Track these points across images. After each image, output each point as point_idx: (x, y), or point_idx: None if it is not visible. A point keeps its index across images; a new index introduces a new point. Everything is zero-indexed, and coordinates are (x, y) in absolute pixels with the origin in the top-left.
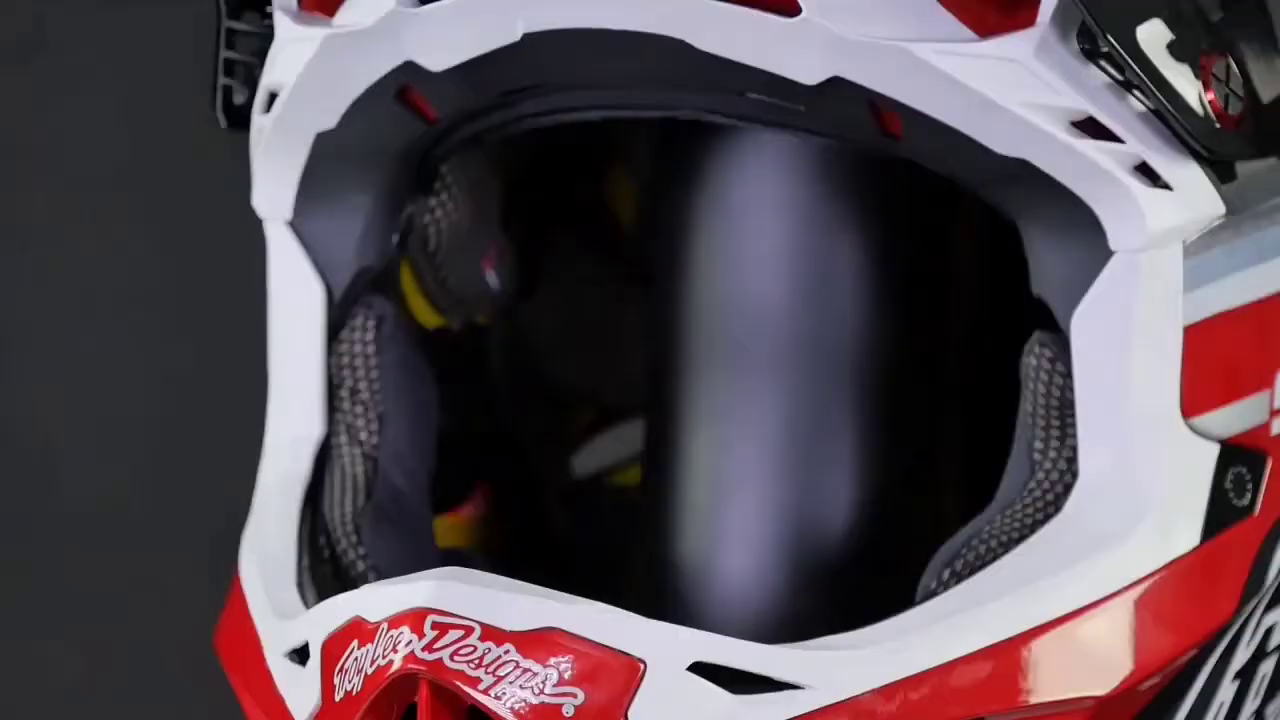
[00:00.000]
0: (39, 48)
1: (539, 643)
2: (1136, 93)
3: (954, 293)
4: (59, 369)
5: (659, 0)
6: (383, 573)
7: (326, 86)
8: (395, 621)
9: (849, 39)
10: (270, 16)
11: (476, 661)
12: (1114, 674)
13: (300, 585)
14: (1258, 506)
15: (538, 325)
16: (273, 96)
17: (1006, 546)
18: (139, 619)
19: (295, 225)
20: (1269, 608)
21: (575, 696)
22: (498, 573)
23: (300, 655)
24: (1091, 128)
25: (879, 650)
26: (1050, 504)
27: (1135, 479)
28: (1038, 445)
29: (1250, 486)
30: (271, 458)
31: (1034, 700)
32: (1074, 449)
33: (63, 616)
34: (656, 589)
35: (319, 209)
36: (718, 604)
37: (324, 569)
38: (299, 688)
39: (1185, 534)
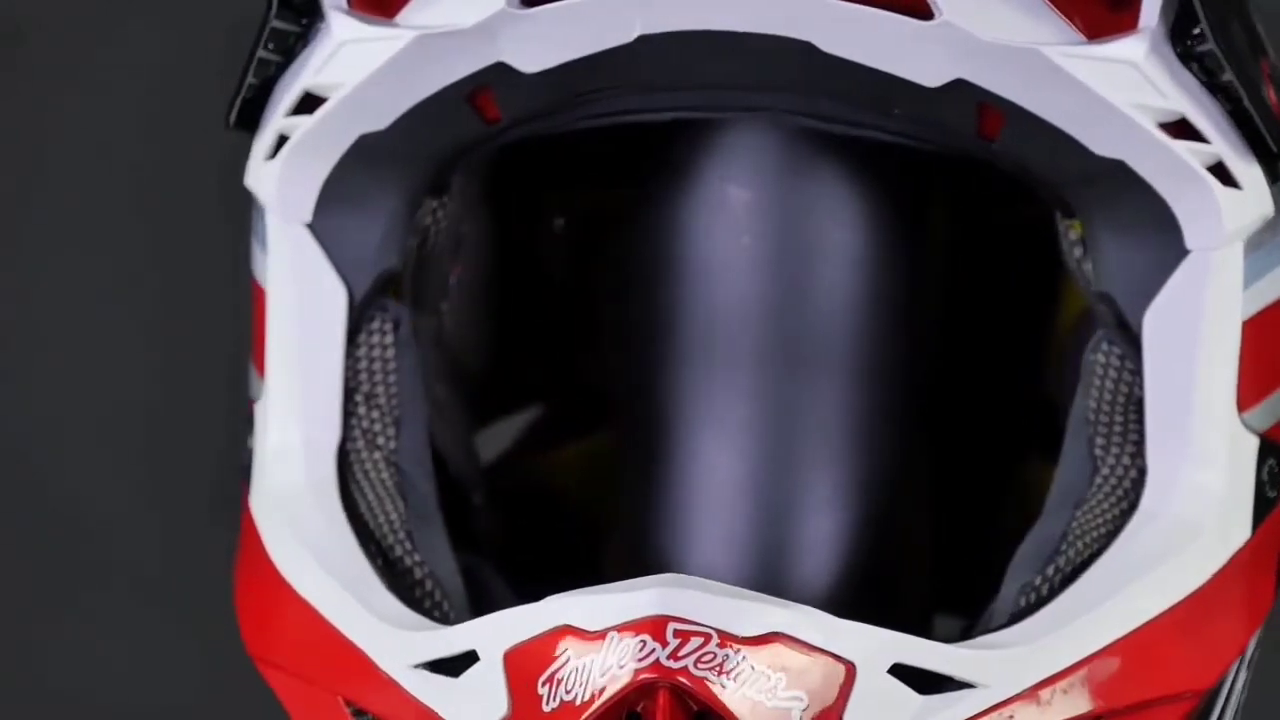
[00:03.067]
0: (36, 47)
1: (767, 647)
2: (1220, 94)
3: (943, 291)
4: (57, 369)
5: (787, 1)
6: (438, 578)
7: (400, 87)
8: (627, 629)
9: (983, 41)
10: (305, 16)
11: (718, 668)
12: (1208, 667)
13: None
14: None
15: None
16: (311, 97)
17: (1100, 543)
18: (137, 618)
19: (314, 226)
20: None
21: (801, 700)
22: None
23: (445, 666)
24: (1178, 128)
25: (1035, 648)
26: (1122, 498)
27: (1205, 474)
28: (1099, 442)
29: (1278, 478)
30: (282, 462)
31: (1148, 695)
32: (1137, 444)
33: (62, 617)
34: None
35: (342, 210)
36: None
37: (381, 575)
38: (456, 700)
39: (1241, 527)
